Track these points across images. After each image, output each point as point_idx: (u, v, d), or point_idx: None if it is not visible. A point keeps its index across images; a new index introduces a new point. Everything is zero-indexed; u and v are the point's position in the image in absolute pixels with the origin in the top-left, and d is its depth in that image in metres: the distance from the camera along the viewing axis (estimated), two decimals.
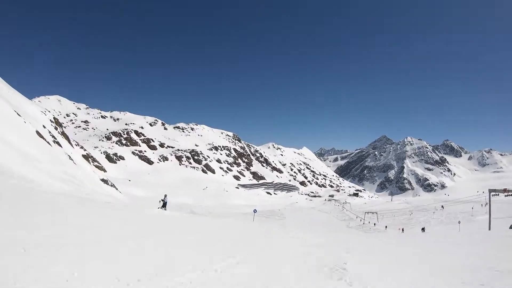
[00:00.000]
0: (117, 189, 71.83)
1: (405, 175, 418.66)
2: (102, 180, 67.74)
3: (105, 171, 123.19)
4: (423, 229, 50.96)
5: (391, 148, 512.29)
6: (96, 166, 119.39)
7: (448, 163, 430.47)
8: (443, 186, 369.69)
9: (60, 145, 66.65)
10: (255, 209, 34.63)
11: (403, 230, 54.64)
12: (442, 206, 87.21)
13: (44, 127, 65.15)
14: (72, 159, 63.77)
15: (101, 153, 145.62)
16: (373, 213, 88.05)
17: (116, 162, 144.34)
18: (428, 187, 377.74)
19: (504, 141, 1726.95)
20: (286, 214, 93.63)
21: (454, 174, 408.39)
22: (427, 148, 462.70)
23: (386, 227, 62.60)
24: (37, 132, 50.84)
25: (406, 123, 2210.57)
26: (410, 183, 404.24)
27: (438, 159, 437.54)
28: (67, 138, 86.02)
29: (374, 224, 68.70)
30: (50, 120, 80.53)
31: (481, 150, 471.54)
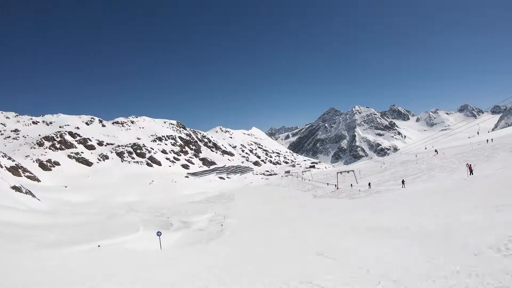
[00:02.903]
0: (34, 196, 63.13)
1: (357, 143, 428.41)
2: (14, 187, 58.98)
3: (38, 180, 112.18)
4: None
5: (340, 118, 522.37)
6: (28, 177, 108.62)
7: (397, 127, 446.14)
8: (395, 149, 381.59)
9: None
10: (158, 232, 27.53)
11: (471, 171, 33.82)
12: (436, 151, 70.59)
13: None
14: None
15: (34, 161, 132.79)
16: (348, 171, 70.90)
17: (51, 169, 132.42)
18: (382, 151, 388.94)
19: (448, 101, 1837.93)
20: (237, 195, 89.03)
21: (405, 136, 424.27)
22: (376, 114, 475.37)
23: (403, 181, 41.53)
24: None
25: (352, 94, 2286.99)
26: (363, 150, 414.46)
27: (388, 124, 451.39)
28: None
29: (369, 184, 49.09)
30: None
31: (428, 111, 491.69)
